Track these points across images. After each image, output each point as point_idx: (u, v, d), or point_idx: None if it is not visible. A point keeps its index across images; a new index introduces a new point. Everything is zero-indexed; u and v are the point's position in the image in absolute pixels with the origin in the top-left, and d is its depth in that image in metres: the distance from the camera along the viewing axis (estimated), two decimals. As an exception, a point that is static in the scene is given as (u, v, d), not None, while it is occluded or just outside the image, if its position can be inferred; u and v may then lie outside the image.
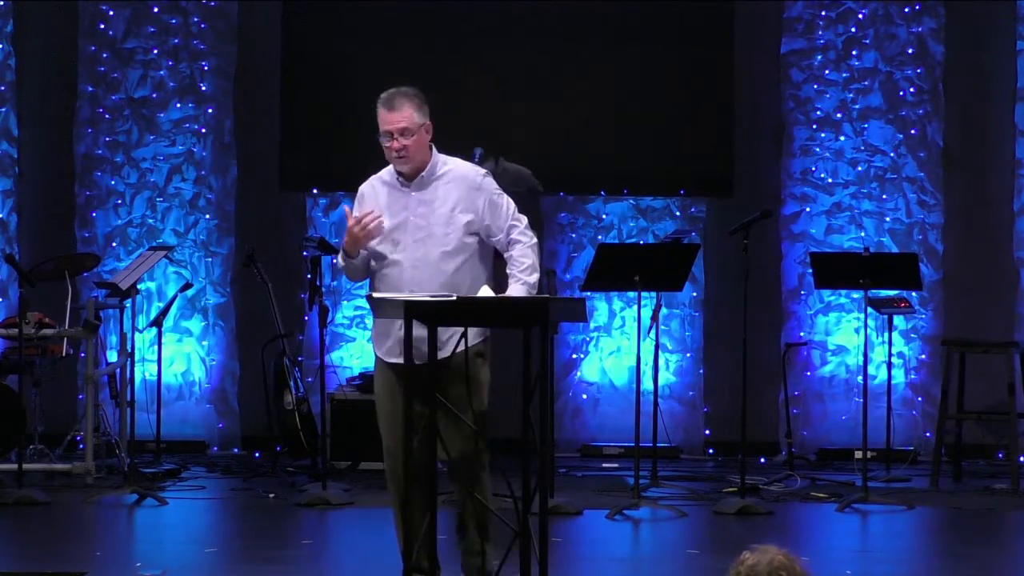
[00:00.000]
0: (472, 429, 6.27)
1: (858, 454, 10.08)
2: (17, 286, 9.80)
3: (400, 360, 6.17)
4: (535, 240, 6.46)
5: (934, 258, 11.45)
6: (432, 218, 6.35)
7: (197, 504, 9.47)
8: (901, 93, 11.49)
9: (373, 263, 6.43)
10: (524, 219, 6.45)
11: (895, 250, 11.26)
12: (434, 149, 6.45)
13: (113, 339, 10.99)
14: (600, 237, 11.46)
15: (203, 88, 11.45)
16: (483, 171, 6.51)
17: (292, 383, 10.59)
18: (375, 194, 6.45)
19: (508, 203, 6.43)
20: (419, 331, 6.03)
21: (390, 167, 6.47)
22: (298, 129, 11.51)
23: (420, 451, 6.14)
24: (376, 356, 6.46)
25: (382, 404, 6.43)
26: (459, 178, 6.41)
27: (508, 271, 6.39)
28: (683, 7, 11.53)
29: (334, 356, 11.27)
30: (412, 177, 6.40)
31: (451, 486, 6.53)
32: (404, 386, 6.15)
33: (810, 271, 10.39)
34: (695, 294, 11.52)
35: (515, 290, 6.31)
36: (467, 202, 6.36)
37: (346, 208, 6.51)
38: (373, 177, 6.53)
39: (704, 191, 11.62)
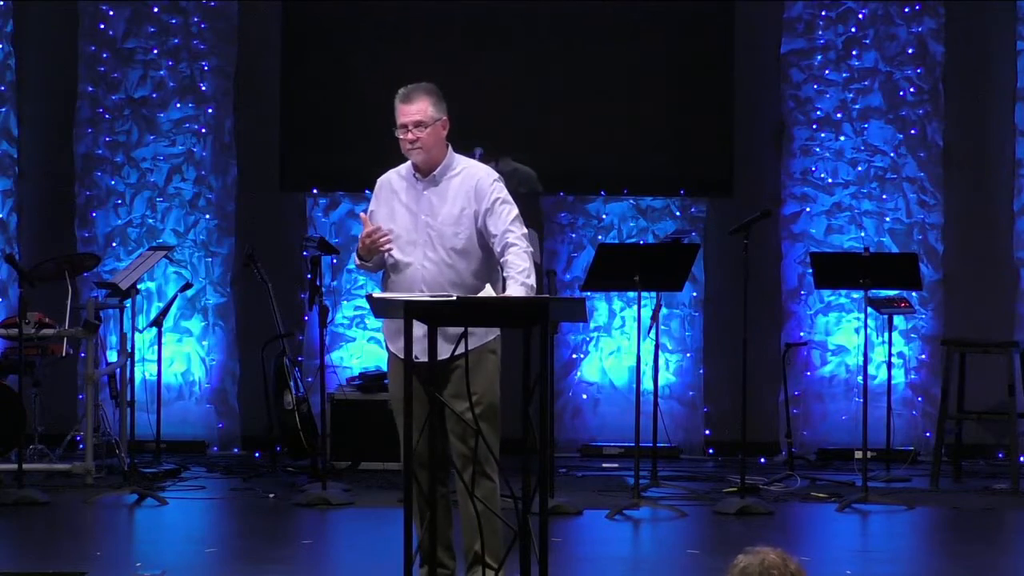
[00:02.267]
0: (470, 428, 6.25)
1: (858, 454, 10.08)
2: (17, 286, 9.80)
3: (423, 358, 6.12)
4: (530, 248, 6.43)
5: (934, 258, 11.45)
6: (441, 217, 6.38)
7: (197, 504, 9.47)
8: (901, 93, 11.49)
9: (388, 258, 6.44)
10: (523, 228, 6.41)
11: (895, 250, 11.26)
12: (451, 149, 6.48)
13: (113, 339, 10.99)
14: (600, 237, 11.46)
15: (203, 88, 11.45)
16: (495, 175, 6.50)
17: (292, 383, 10.59)
18: (392, 188, 6.49)
19: (510, 210, 6.39)
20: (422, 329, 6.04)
21: (409, 163, 6.49)
22: (298, 129, 11.51)
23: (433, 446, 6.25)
24: (391, 353, 6.45)
25: (401, 402, 6.18)
26: (469, 178, 6.42)
27: (504, 275, 6.35)
28: (683, 7, 11.53)
29: (334, 356, 11.27)
30: (426, 174, 6.42)
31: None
32: (409, 382, 6.07)
33: (810, 271, 10.39)
34: (695, 294, 11.52)
35: (514, 291, 6.27)
36: (472, 202, 6.38)
37: (362, 215, 6.55)
38: (392, 171, 6.56)
39: (704, 191, 11.62)
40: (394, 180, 6.52)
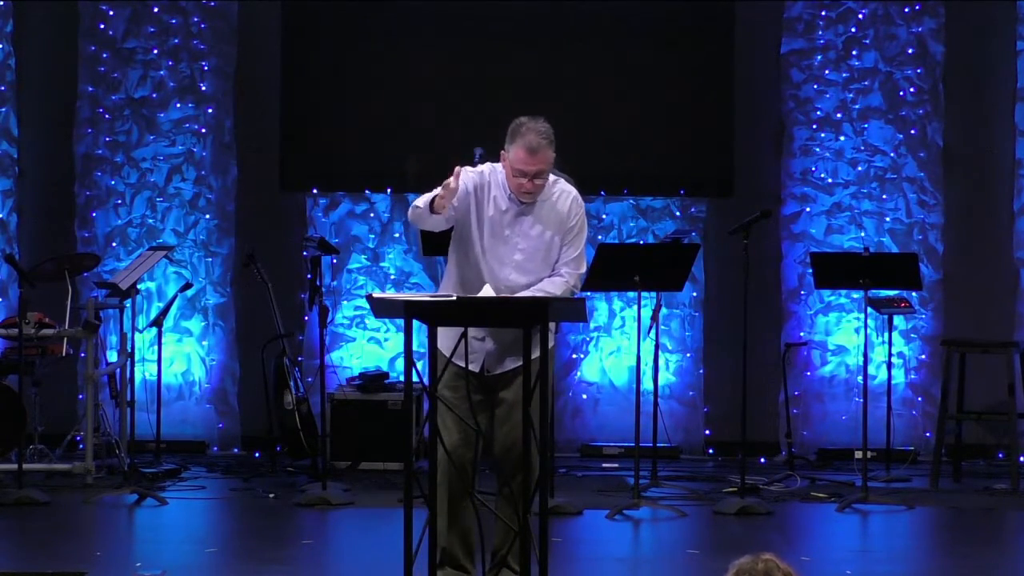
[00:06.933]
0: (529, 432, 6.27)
1: (858, 454, 10.08)
2: (17, 286, 9.80)
3: (475, 368, 6.29)
4: (577, 286, 6.54)
5: (934, 258, 11.45)
6: (537, 242, 6.46)
7: (197, 504, 9.47)
8: (901, 93, 11.49)
9: (469, 269, 6.41)
10: (581, 268, 6.58)
11: (895, 250, 11.26)
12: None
13: (113, 339, 10.99)
14: (600, 237, 11.45)
15: (203, 88, 11.45)
16: (580, 201, 6.59)
17: (292, 383, 10.59)
18: (489, 195, 6.41)
19: (579, 245, 6.57)
20: (489, 342, 6.27)
21: (499, 171, 6.43)
22: (298, 129, 11.51)
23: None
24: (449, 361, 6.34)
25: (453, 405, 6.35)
26: (559, 202, 6.51)
27: (540, 283, 6.44)
28: (683, 7, 11.53)
29: (334, 356, 11.27)
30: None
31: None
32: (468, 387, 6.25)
33: (810, 271, 10.39)
34: (695, 294, 11.52)
35: (534, 293, 6.35)
36: (562, 229, 6.52)
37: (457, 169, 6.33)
38: (488, 173, 6.45)
39: (704, 191, 11.62)
40: (493, 188, 6.43)
